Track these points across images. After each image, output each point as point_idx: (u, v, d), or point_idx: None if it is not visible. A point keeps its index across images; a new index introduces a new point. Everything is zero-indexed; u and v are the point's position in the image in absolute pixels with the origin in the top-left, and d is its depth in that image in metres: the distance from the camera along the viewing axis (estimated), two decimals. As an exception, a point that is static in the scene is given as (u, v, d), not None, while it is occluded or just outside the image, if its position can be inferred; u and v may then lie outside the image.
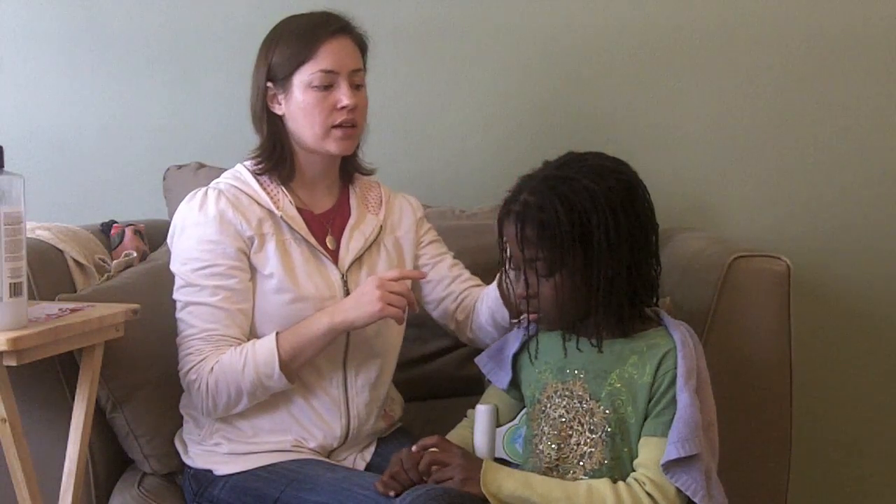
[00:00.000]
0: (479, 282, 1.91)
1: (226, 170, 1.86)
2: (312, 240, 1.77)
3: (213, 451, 1.76)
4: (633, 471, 1.53)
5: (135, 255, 2.10)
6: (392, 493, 1.56)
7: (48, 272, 1.89)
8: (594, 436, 1.55)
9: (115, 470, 1.90)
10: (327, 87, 1.74)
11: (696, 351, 1.55)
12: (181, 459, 1.81)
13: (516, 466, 1.63)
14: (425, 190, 2.31)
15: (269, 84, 1.77)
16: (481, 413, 1.67)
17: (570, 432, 1.57)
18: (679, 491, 1.48)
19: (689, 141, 2.48)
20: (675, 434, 1.48)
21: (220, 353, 1.69)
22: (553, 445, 1.58)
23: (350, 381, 1.79)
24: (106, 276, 2.01)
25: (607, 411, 1.54)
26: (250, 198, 1.76)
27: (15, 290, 1.52)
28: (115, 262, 2.06)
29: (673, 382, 1.52)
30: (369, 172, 1.90)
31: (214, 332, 1.70)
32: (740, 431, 1.76)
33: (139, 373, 1.83)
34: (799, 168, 2.47)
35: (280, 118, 1.78)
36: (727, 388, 1.65)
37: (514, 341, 1.70)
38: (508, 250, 1.58)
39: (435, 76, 2.49)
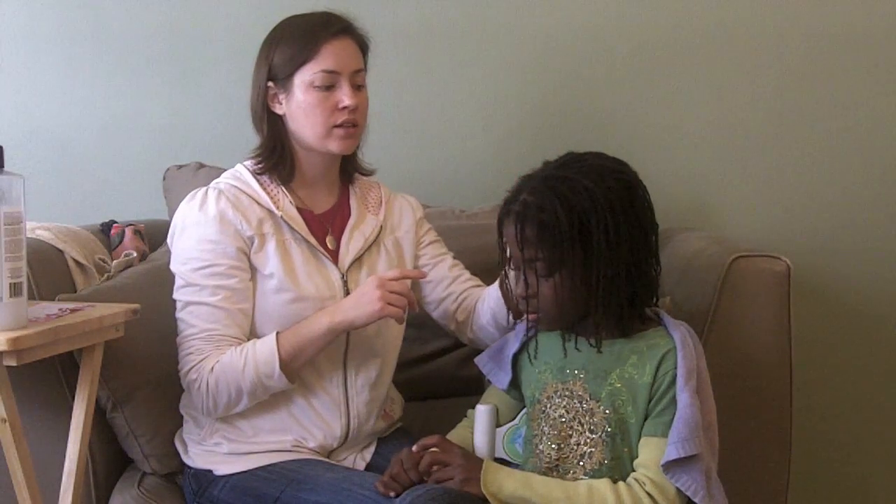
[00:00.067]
0: (480, 282, 1.91)
1: (226, 170, 1.86)
2: (312, 240, 1.77)
3: (213, 451, 1.76)
4: (633, 471, 1.53)
5: (135, 255, 2.10)
6: (392, 494, 1.56)
7: (48, 272, 1.89)
8: (594, 436, 1.55)
9: (115, 470, 1.90)
10: (329, 87, 1.74)
11: (696, 351, 1.55)
12: (181, 459, 1.81)
13: (516, 466, 1.63)
14: (425, 190, 2.31)
15: (270, 84, 1.77)
16: (481, 413, 1.67)
17: (570, 432, 1.57)
18: (679, 491, 1.48)
19: (689, 141, 2.48)
20: (676, 434, 1.48)
21: (221, 353, 1.69)
22: (553, 445, 1.58)
23: (350, 381, 1.79)
24: (106, 276, 2.01)
25: (607, 411, 1.54)
26: (250, 198, 1.76)
27: (15, 290, 1.52)
28: (115, 262, 2.06)
29: (673, 382, 1.52)
30: (369, 173, 1.90)
31: (215, 332, 1.70)
32: (740, 431, 1.76)
33: (139, 373, 1.83)
34: (799, 168, 2.47)
35: (281, 118, 1.78)
36: (727, 388, 1.65)
37: (513, 341, 1.70)
38: (508, 250, 1.58)
39: (435, 76, 2.49)
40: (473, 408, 1.70)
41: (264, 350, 1.68)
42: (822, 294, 2.47)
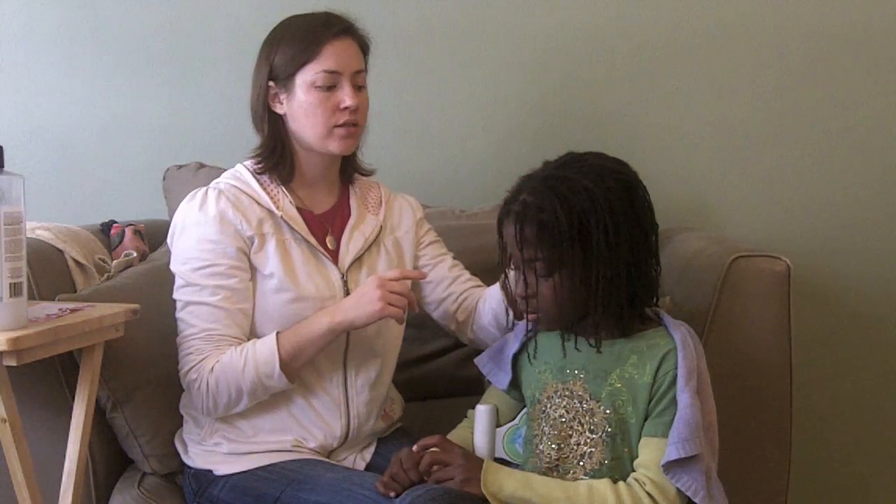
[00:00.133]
0: (480, 282, 1.91)
1: (226, 170, 1.86)
2: (312, 240, 1.77)
3: (213, 451, 1.76)
4: (634, 471, 1.53)
5: (135, 255, 2.10)
6: (392, 494, 1.56)
7: (48, 272, 1.89)
8: (594, 436, 1.55)
9: (115, 470, 1.90)
10: (330, 87, 1.74)
11: (697, 351, 1.55)
12: (181, 459, 1.81)
13: (516, 466, 1.63)
14: (425, 190, 2.31)
15: (271, 83, 1.77)
16: (481, 413, 1.67)
17: (571, 432, 1.57)
18: (679, 491, 1.48)
19: (689, 141, 2.48)
20: (676, 434, 1.48)
21: (221, 353, 1.69)
22: (553, 445, 1.58)
23: (350, 381, 1.79)
24: (106, 276, 2.01)
25: (608, 411, 1.54)
26: (250, 198, 1.76)
27: (15, 290, 1.52)
28: (115, 262, 2.06)
29: (673, 383, 1.52)
30: (369, 173, 1.91)
31: (215, 332, 1.71)
32: (740, 431, 1.76)
33: (139, 373, 1.83)
34: (799, 168, 2.47)
35: (281, 118, 1.78)
36: (727, 388, 1.65)
37: (513, 342, 1.70)
38: (508, 250, 1.58)
39: (435, 76, 2.49)
40: (473, 408, 1.70)
41: (264, 350, 1.68)
42: (822, 294, 2.47)
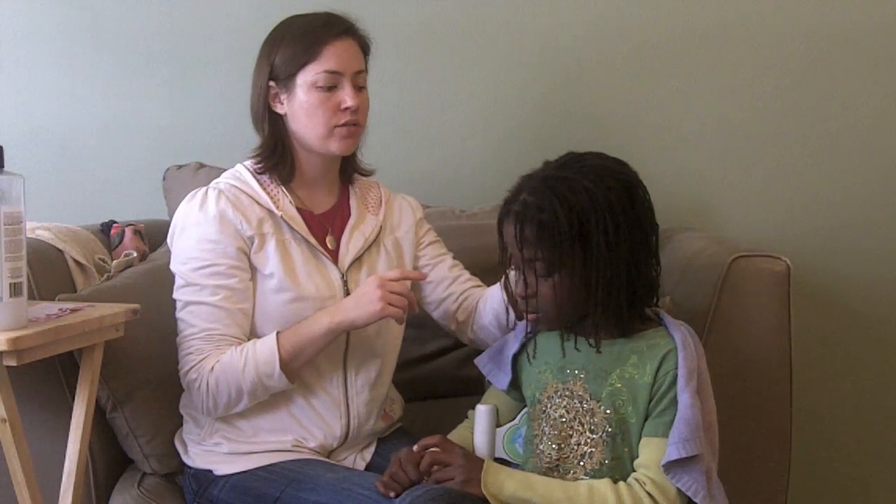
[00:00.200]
0: (480, 282, 1.91)
1: (226, 170, 1.86)
2: (312, 240, 1.77)
3: (213, 451, 1.76)
4: (634, 471, 1.53)
5: (135, 255, 2.10)
6: (392, 494, 1.56)
7: (48, 272, 1.89)
8: (595, 436, 1.55)
9: (115, 470, 1.90)
10: (331, 87, 1.74)
11: (697, 351, 1.55)
12: (181, 459, 1.81)
13: (516, 466, 1.63)
14: (425, 190, 2.31)
15: (272, 83, 1.77)
16: (481, 413, 1.67)
17: (571, 432, 1.57)
18: (680, 491, 1.48)
19: (689, 141, 2.48)
20: (676, 434, 1.48)
21: (221, 353, 1.70)
22: (553, 445, 1.58)
23: (350, 381, 1.79)
24: (106, 276, 2.01)
25: (608, 411, 1.54)
26: (250, 198, 1.76)
27: (15, 290, 1.52)
28: (115, 262, 2.06)
29: (674, 383, 1.52)
30: (368, 173, 1.91)
31: (215, 332, 1.71)
32: (740, 431, 1.76)
33: (139, 373, 1.83)
34: (799, 168, 2.47)
35: (281, 117, 1.78)
36: (727, 388, 1.65)
37: (513, 342, 1.70)
38: (508, 250, 1.58)
39: (435, 76, 2.49)
40: (474, 408, 1.70)
41: (264, 350, 1.68)
42: (822, 294, 2.47)
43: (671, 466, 1.48)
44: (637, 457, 1.53)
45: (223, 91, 2.47)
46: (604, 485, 1.51)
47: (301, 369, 1.72)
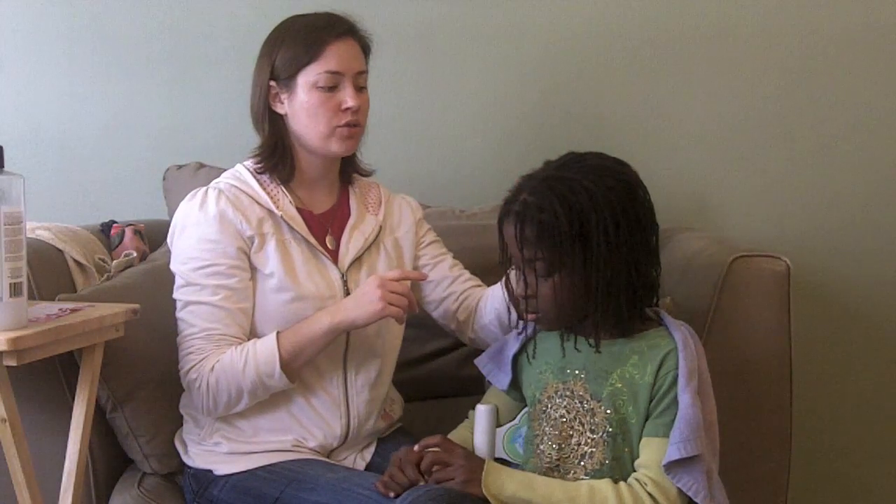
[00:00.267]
0: (480, 282, 1.91)
1: (226, 170, 1.86)
2: (312, 239, 1.78)
3: (213, 451, 1.76)
4: (634, 471, 1.53)
5: (135, 255, 2.10)
6: (392, 494, 1.56)
7: (48, 272, 1.89)
8: (595, 436, 1.55)
9: (115, 470, 1.90)
10: (332, 88, 1.74)
11: (697, 351, 1.55)
12: (181, 459, 1.81)
13: (517, 466, 1.63)
14: (425, 190, 2.32)
15: (273, 83, 1.77)
16: (481, 413, 1.67)
17: (571, 432, 1.57)
18: (680, 491, 1.48)
19: (689, 141, 2.48)
20: (677, 435, 1.48)
21: (221, 353, 1.70)
22: (554, 445, 1.58)
23: (350, 381, 1.79)
24: (106, 276, 2.01)
25: (608, 411, 1.54)
26: (250, 197, 1.76)
27: (15, 290, 1.52)
28: (115, 262, 2.06)
29: (674, 383, 1.52)
30: (368, 173, 1.91)
31: (215, 332, 1.70)
32: (740, 431, 1.76)
33: (139, 373, 1.83)
34: (798, 168, 2.47)
35: (282, 117, 1.78)
36: (727, 388, 1.65)
37: (513, 342, 1.70)
38: (509, 250, 1.58)
39: (435, 76, 2.49)
40: (474, 408, 1.70)
41: (265, 349, 1.68)
42: (822, 294, 2.47)
43: (672, 466, 1.48)
44: (637, 457, 1.53)
45: (223, 91, 2.47)
46: (604, 485, 1.51)
47: (301, 369, 1.72)
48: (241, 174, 1.80)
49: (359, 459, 1.81)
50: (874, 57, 2.45)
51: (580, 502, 1.50)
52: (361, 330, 1.73)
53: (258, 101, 1.79)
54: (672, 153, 2.47)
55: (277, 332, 1.70)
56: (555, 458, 1.57)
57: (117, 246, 2.16)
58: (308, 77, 1.74)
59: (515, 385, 1.69)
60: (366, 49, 1.81)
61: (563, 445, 1.57)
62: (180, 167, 2.35)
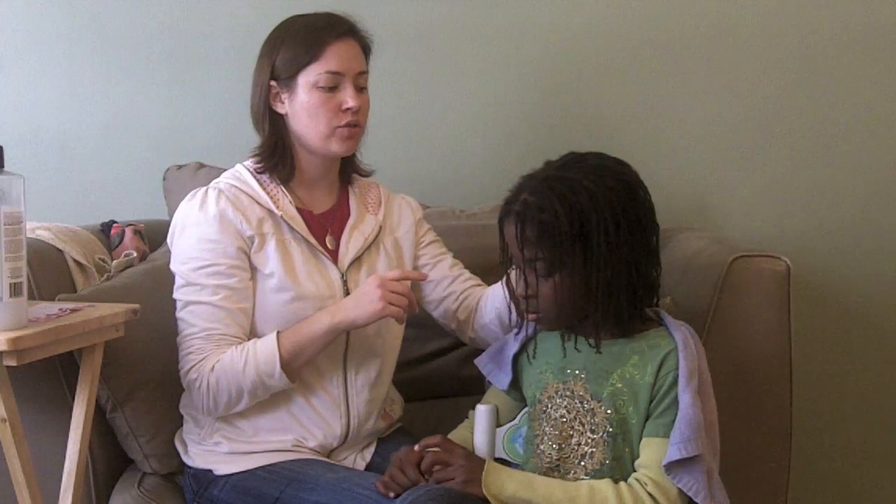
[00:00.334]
0: (480, 281, 1.91)
1: (226, 170, 1.86)
2: (312, 239, 1.78)
3: (213, 451, 1.76)
4: (634, 471, 1.53)
5: (135, 255, 2.10)
6: (392, 494, 1.56)
7: (48, 272, 1.89)
8: (595, 436, 1.55)
9: (115, 470, 1.90)
10: (332, 88, 1.74)
11: (697, 350, 1.55)
12: (181, 459, 1.81)
13: (516, 466, 1.63)
14: (425, 190, 2.32)
15: (273, 83, 1.77)
16: (481, 413, 1.67)
17: (572, 432, 1.57)
18: (681, 491, 1.48)
19: (689, 141, 2.48)
20: (678, 435, 1.48)
21: (221, 353, 1.70)
22: (554, 445, 1.58)
23: (350, 381, 1.79)
24: (106, 276, 2.01)
25: (609, 411, 1.54)
26: (250, 197, 1.76)
27: (15, 290, 1.52)
28: (115, 262, 2.06)
29: (675, 383, 1.52)
30: (367, 174, 1.91)
31: (215, 332, 1.71)
32: (740, 431, 1.76)
33: (139, 373, 1.83)
34: (799, 168, 2.47)
35: (282, 117, 1.78)
36: (727, 388, 1.65)
37: (513, 342, 1.70)
38: (509, 250, 1.58)
39: (435, 76, 2.49)
40: (474, 408, 1.70)
41: (265, 349, 1.68)
42: (822, 294, 2.47)
43: (672, 467, 1.48)
44: (638, 457, 1.53)
45: (223, 91, 2.47)
46: (605, 485, 1.51)
47: (301, 369, 1.72)
48: (241, 174, 1.80)
49: (359, 459, 1.81)
50: (874, 57, 2.45)
51: (580, 502, 1.50)
52: (361, 330, 1.73)
53: (258, 100, 1.79)
54: (672, 153, 2.47)
55: (277, 332, 1.70)
56: (555, 458, 1.57)
57: (117, 246, 2.16)
58: (308, 77, 1.74)
59: (516, 385, 1.69)
60: (366, 49, 1.81)
61: (563, 445, 1.57)
62: (180, 167, 2.35)
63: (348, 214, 1.85)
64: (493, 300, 1.82)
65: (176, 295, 1.75)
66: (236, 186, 1.78)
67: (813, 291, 2.43)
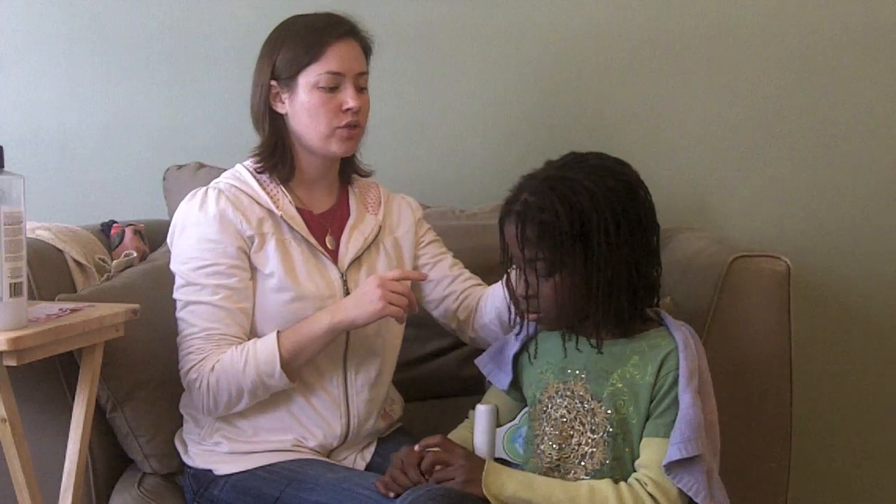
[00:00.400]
0: (480, 281, 1.91)
1: (226, 170, 1.86)
2: (312, 239, 1.78)
3: (213, 451, 1.76)
4: (635, 471, 1.53)
5: (135, 255, 2.10)
6: (392, 494, 1.56)
7: (48, 272, 1.89)
8: (595, 436, 1.55)
9: (115, 470, 1.90)
10: (332, 88, 1.74)
11: (698, 350, 1.55)
12: (181, 459, 1.81)
13: (516, 466, 1.63)
14: (425, 190, 2.32)
15: (273, 82, 1.77)
16: (481, 413, 1.67)
17: (572, 432, 1.57)
18: (681, 492, 1.48)
19: (689, 141, 2.48)
20: (678, 435, 1.48)
21: (221, 353, 1.70)
22: (554, 445, 1.58)
23: (350, 380, 1.79)
24: (106, 276, 2.01)
25: (609, 411, 1.54)
26: (250, 197, 1.76)
27: (15, 290, 1.52)
28: (115, 262, 2.06)
29: (675, 383, 1.52)
30: (367, 174, 1.91)
31: (215, 332, 1.71)
32: (740, 431, 1.76)
33: (139, 373, 1.83)
34: (799, 168, 2.47)
35: (282, 117, 1.78)
36: (727, 388, 1.65)
37: (514, 342, 1.70)
38: (510, 250, 1.58)
39: (435, 76, 2.49)
40: (474, 408, 1.70)
41: (265, 349, 1.68)
42: (822, 294, 2.47)
43: (672, 467, 1.48)
44: (638, 457, 1.53)
45: (223, 91, 2.47)
46: (605, 485, 1.51)
47: (301, 369, 1.72)
48: (241, 174, 1.80)
49: (359, 459, 1.81)
50: (874, 57, 2.45)
51: (580, 502, 1.50)
52: (361, 330, 1.74)
53: (259, 100, 1.79)
54: (672, 153, 2.47)
55: (277, 332, 1.70)
56: (555, 458, 1.57)
57: (117, 246, 2.16)
58: (309, 77, 1.74)
59: (516, 385, 1.69)
60: (367, 50, 1.81)
61: (563, 445, 1.57)
62: (180, 167, 2.35)
63: (348, 214, 1.85)
64: (493, 300, 1.82)
65: (176, 295, 1.75)
66: (236, 186, 1.78)
67: (813, 291, 2.43)
